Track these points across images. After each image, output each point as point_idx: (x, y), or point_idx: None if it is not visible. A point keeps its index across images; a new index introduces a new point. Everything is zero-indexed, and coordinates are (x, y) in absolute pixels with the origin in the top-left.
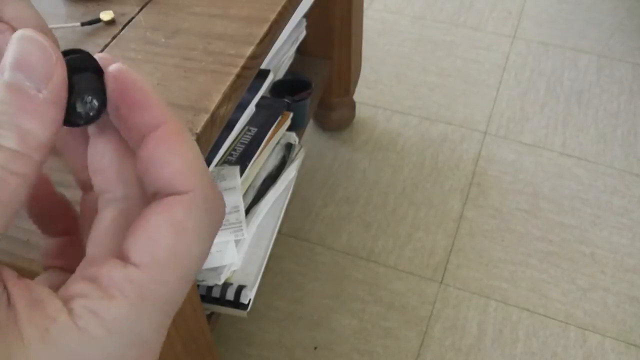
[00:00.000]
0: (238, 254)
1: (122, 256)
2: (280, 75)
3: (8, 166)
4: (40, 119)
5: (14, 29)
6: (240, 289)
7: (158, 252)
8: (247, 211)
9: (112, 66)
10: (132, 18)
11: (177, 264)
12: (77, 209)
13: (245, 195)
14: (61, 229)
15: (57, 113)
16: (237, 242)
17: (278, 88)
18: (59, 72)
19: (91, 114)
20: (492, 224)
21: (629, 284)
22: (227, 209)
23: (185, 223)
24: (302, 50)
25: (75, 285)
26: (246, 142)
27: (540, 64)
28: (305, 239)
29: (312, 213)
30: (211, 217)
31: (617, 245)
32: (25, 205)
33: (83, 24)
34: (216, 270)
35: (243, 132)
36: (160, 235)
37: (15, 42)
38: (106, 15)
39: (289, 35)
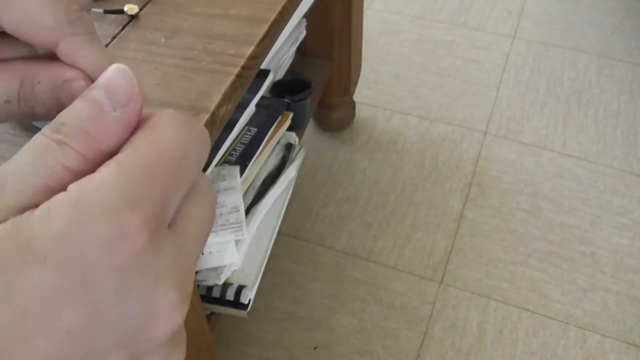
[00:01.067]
0: (238, 254)
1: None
2: (280, 75)
3: (64, 161)
4: (106, 132)
5: (89, 77)
6: (240, 289)
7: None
8: (247, 211)
9: None
10: (132, 18)
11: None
12: None
13: (245, 195)
14: None
15: (123, 132)
16: (237, 242)
17: (278, 88)
18: (136, 101)
19: None
20: (492, 224)
21: (629, 284)
22: (227, 209)
23: None
24: (302, 50)
25: None
26: (246, 142)
27: (540, 64)
28: (305, 239)
29: (312, 213)
30: None
31: (617, 245)
32: None
33: (106, 12)
34: (216, 270)
35: (243, 132)
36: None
37: (111, 70)
38: (131, 10)
39: (289, 35)
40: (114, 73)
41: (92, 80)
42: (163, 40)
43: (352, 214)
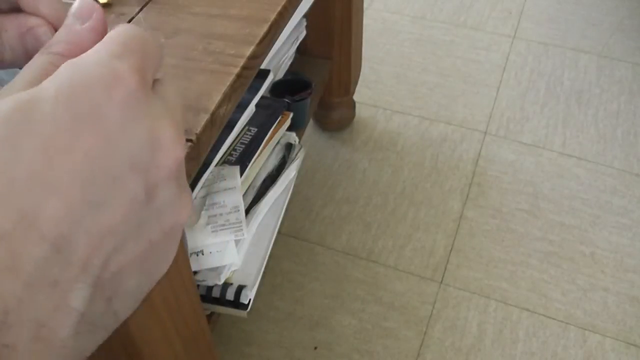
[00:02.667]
0: (238, 254)
1: None
2: (280, 75)
3: (51, 59)
4: (82, 38)
5: (50, 23)
6: (240, 289)
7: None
8: (247, 211)
9: None
10: (132, 18)
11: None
12: None
13: (245, 195)
14: None
15: (96, 37)
16: (237, 242)
17: (278, 88)
18: (99, 12)
19: None
20: (492, 224)
21: (629, 284)
22: (227, 209)
23: None
24: (302, 50)
25: None
26: (246, 142)
27: (540, 64)
28: (305, 239)
29: (312, 213)
30: None
31: (617, 245)
32: None
33: None
34: (216, 270)
35: (243, 132)
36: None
37: (77, 3)
38: None
39: (289, 35)
40: (76, 4)
41: (54, 26)
42: (163, 40)
43: (352, 214)
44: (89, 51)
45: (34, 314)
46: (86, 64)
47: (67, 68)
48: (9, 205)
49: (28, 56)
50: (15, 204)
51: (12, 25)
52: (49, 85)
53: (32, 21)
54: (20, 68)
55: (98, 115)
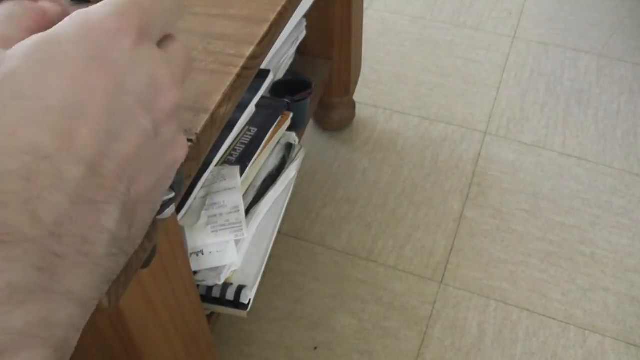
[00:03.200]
0: (238, 254)
1: None
2: (280, 75)
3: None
4: None
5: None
6: (240, 289)
7: None
8: (247, 211)
9: None
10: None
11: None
12: None
13: (245, 195)
14: None
15: None
16: (237, 242)
17: (278, 88)
18: None
19: None
20: (492, 224)
21: (629, 284)
22: (227, 209)
23: None
24: (302, 50)
25: None
26: (246, 142)
27: (540, 64)
28: (305, 239)
29: (312, 213)
30: None
31: (617, 245)
32: None
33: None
34: (216, 270)
35: (243, 132)
36: None
37: None
38: None
39: (289, 35)
40: None
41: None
42: None
43: (352, 214)
44: (99, 4)
45: (78, 230)
46: (96, 14)
47: (79, 15)
48: (49, 129)
49: None
50: (54, 128)
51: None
52: (64, 29)
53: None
54: None
55: (108, 58)
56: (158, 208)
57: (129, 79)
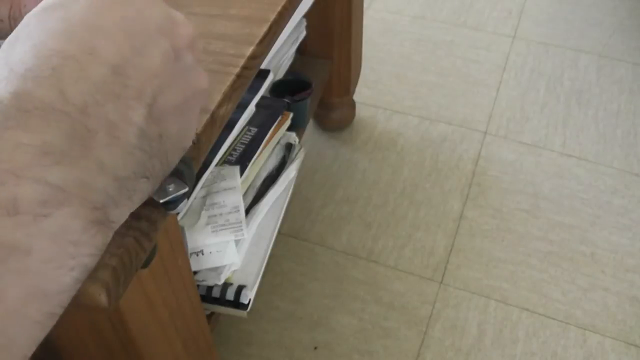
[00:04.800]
0: (238, 254)
1: None
2: (280, 75)
3: None
4: None
5: None
6: (240, 289)
7: None
8: (247, 211)
9: None
10: None
11: None
12: None
13: (245, 195)
14: None
15: None
16: (237, 242)
17: (278, 88)
18: None
19: None
20: (492, 224)
21: (629, 284)
22: (227, 209)
23: None
24: (302, 50)
25: None
26: (246, 142)
27: (540, 64)
28: (305, 239)
29: (312, 213)
30: None
31: (617, 245)
32: None
33: None
34: (216, 270)
35: (243, 132)
36: None
37: None
38: None
39: (289, 35)
40: None
41: None
42: None
43: (352, 214)
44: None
45: (105, 114)
46: None
47: None
48: (73, 40)
49: None
50: (78, 39)
51: (31, 1)
52: None
53: None
54: None
55: None
56: (191, 133)
57: (147, 12)
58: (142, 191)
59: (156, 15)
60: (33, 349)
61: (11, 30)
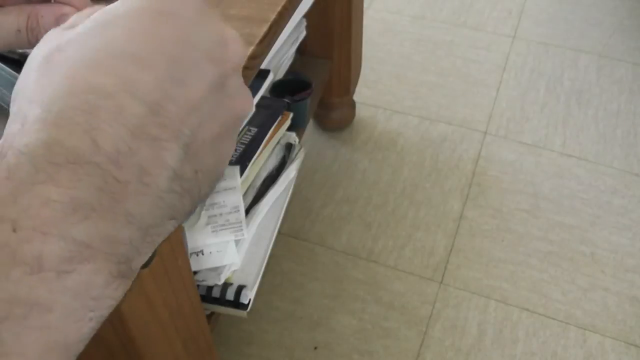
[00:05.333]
0: (238, 254)
1: None
2: (280, 75)
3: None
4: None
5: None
6: (240, 289)
7: None
8: (247, 211)
9: None
10: None
11: None
12: None
13: (245, 195)
14: None
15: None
16: (237, 242)
17: (278, 88)
18: None
19: None
20: (492, 224)
21: (629, 284)
22: (227, 209)
23: None
24: (302, 50)
25: None
26: (246, 142)
27: (540, 64)
28: (305, 239)
29: (312, 213)
30: None
31: (617, 245)
32: None
33: None
34: (216, 270)
35: (243, 132)
36: None
37: None
38: None
39: (289, 35)
40: None
41: None
42: None
43: (352, 214)
44: None
45: (138, 160)
46: None
47: None
48: (111, 74)
49: None
50: (117, 73)
51: (48, 12)
52: None
53: (66, 9)
54: None
55: (177, 14)
56: (227, 160)
57: (197, 34)
58: (168, 232)
59: (206, 39)
60: None
61: (28, 40)
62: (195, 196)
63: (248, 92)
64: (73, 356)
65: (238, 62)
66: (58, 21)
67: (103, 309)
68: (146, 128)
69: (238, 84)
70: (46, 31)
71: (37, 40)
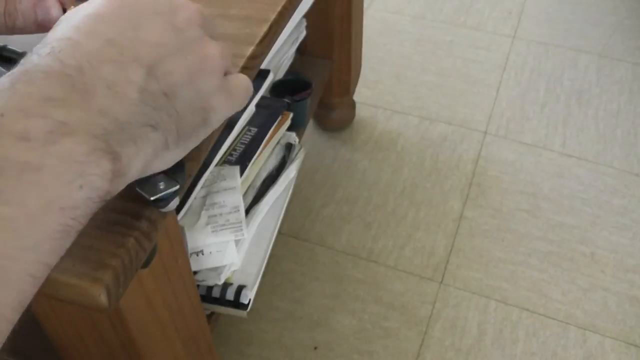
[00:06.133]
0: (238, 254)
1: None
2: (280, 75)
3: None
4: None
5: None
6: (240, 289)
7: None
8: (247, 211)
9: None
10: None
11: None
12: None
13: (245, 195)
14: None
15: None
16: (237, 242)
17: (278, 88)
18: None
19: None
20: (492, 224)
21: (629, 284)
22: (227, 209)
23: None
24: (302, 50)
25: None
26: (246, 142)
27: (540, 64)
28: (305, 239)
29: (312, 213)
30: None
31: (617, 245)
32: None
33: None
34: (216, 270)
35: (243, 132)
36: None
37: None
38: None
39: (289, 35)
40: None
41: (61, 2)
42: None
43: (352, 214)
44: None
45: (102, 74)
46: None
47: None
48: (77, 27)
49: (37, 25)
50: (80, 26)
51: None
52: None
53: None
54: (30, 34)
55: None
56: (209, 98)
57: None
58: (149, 139)
59: (152, 1)
60: (54, 260)
61: (6, 25)
62: (173, 115)
63: (212, 42)
64: (71, 221)
65: (190, 17)
66: (35, 7)
67: (91, 176)
68: (104, 54)
69: (198, 33)
70: (24, 16)
71: (14, 25)
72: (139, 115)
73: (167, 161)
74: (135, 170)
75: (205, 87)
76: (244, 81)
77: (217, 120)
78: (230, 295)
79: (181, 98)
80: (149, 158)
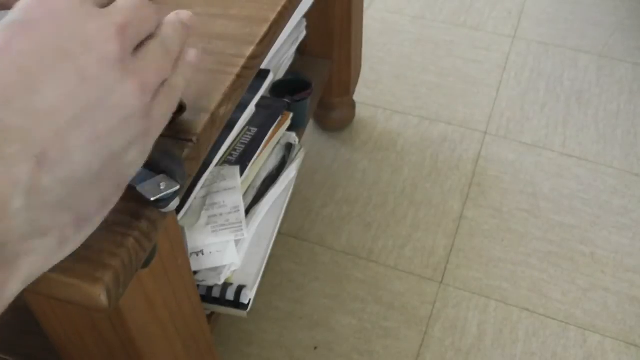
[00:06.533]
0: (238, 254)
1: None
2: (280, 75)
3: None
4: None
5: None
6: (240, 289)
7: None
8: (247, 211)
9: None
10: None
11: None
12: None
13: (245, 195)
14: None
15: None
16: (237, 242)
17: (278, 88)
18: None
19: None
20: (492, 224)
21: (629, 284)
22: (227, 209)
23: None
24: (302, 50)
25: None
26: (246, 142)
27: (540, 64)
28: (305, 239)
29: (312, 213)
30: None
31: (617, 245)
32: None
33: None
34: (216, 270)
35: (243, 132)
36: None
37: None
38: None
39: (289, 35)
40: None
41: None
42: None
43: (352, 214)
44: None
45: None
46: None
47: None
48: None
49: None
50: None
51: None
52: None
53: None
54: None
55: (36, 22)
56: (119, 169)
57: (52, 37)
58: (36, 250)
59: (61, 36)
60: None
61: None
62: (74, 206)
63: (132, 77)
64: None
65: (105, 53)
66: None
67: None
68: None
69: (112, 79)
70: None
71: None
72: (22, 228)
73: (69, 250)
74: (15, 288)
75: (118, 144)
76: (171, 95)
77: (132, 174)
78: (230, 295)
79: (83, 176)
80: (39, 265)
